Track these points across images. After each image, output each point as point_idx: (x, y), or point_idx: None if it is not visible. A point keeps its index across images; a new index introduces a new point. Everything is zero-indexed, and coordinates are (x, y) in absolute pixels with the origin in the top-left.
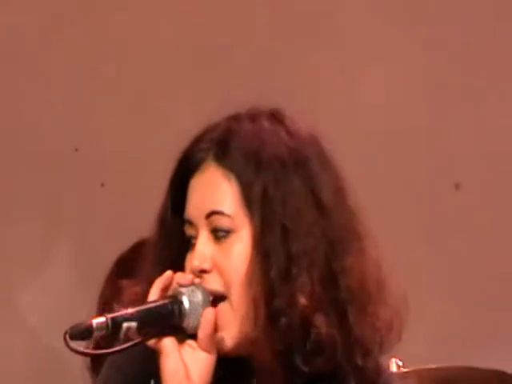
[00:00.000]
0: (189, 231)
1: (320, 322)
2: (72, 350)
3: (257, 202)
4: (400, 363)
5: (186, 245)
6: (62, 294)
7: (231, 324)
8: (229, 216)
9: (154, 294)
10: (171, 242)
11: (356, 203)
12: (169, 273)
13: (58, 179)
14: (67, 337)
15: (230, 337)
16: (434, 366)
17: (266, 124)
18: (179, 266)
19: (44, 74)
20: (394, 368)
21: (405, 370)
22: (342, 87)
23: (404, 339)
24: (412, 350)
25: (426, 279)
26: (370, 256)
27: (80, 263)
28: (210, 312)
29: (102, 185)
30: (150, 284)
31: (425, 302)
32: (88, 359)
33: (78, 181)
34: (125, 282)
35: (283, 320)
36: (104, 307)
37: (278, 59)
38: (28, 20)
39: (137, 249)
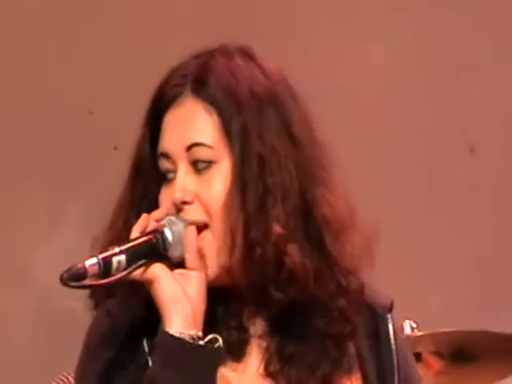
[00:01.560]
0: (164, 165)
1: (294, 251)
2: (71, 286)
3: (236, 135)
4: (414, 325)
5: (160, 180)
6: (73, 255)
7: (211, 252)
8: (210, 147)
9: (134, 236)
10: (146, 178)
11: (324, 139)
12: (144, 215)
13: (71, 142)
14: (64, 278)
15: (209, 265)
16: (449, 329)
17: (239, 61)
18: (153, 202)
19: (58, 38)
20: (408, 330)
21: (419, 333)
22: (350, 51)
23: (419, 302)
24: (427, 313)
25: (441, 243)
26: (340, 187)
27: (92, 225)
28: (191, 230)
29: (115, 148)
30: (124, 223)
31: (439, 266)
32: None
33: (92, 144)
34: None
35: (258, 250)
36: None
37: (282, 24)
38: None
39: None
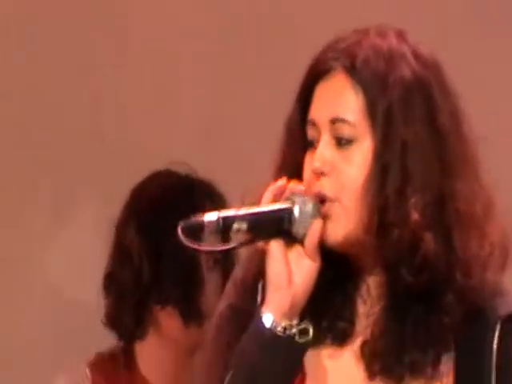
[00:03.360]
0: (311, 133)
1: (429, 238)
2: (185, 244)
3: (381, 116)
4: None
5: (307, 147)
6: (84, 249)
7: (343, 219)
8: (352, 124)
9: (266, 199)
10: (295, 144)
11: (471, 131)
12: (282, 180)
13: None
14: (180, 231)
15: (341, 228)
16: None
17: (394, 42)
18: (301, 168)
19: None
20: None
21: None
22: None
23: None
24: None
25: None
26: (480, 182)
27: (103, 219)
28: (318, 223)
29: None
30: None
31: None
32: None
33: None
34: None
35: (395, 231)
36: (117, 233)
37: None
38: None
39: (153, 179)
